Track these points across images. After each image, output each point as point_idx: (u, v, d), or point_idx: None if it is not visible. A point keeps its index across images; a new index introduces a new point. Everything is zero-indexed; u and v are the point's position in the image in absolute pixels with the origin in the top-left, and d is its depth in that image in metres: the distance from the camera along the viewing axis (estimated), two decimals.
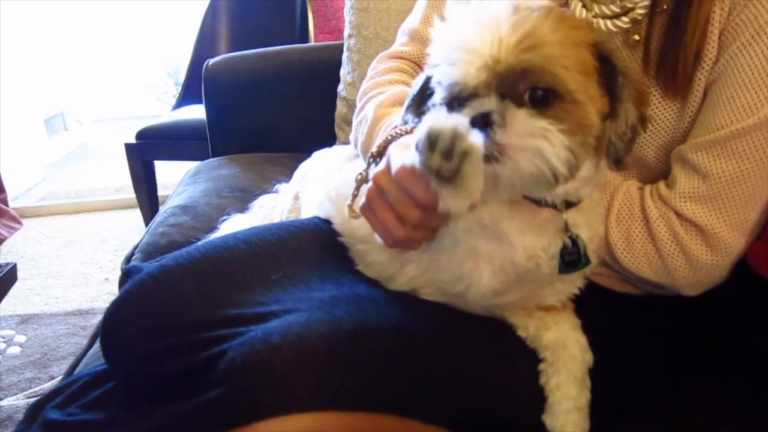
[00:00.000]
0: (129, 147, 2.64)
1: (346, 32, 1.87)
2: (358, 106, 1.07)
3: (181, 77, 3.33)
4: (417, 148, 0.65)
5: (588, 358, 0.81)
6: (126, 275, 0.87)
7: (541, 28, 0.66)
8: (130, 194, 2.86)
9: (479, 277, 0.78)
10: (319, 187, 1.06)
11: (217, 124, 2.04)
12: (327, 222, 0.99)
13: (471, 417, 0.78)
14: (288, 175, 1.30)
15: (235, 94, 2.02)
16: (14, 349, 2.12)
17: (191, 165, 2.03)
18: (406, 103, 0.81)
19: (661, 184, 0.85)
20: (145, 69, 4.95)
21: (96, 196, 3.64)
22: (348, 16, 1.86)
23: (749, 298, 0.86)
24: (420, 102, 0.78)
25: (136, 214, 2.89)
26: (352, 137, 1.06)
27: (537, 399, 0.80)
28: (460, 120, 0.63)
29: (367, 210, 0.80)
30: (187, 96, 2.99)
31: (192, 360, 0.75)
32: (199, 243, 0.91)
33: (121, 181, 3.62)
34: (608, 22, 0.88)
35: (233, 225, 1.26)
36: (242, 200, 1.42)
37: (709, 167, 0.80)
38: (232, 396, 0.69)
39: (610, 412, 0.87)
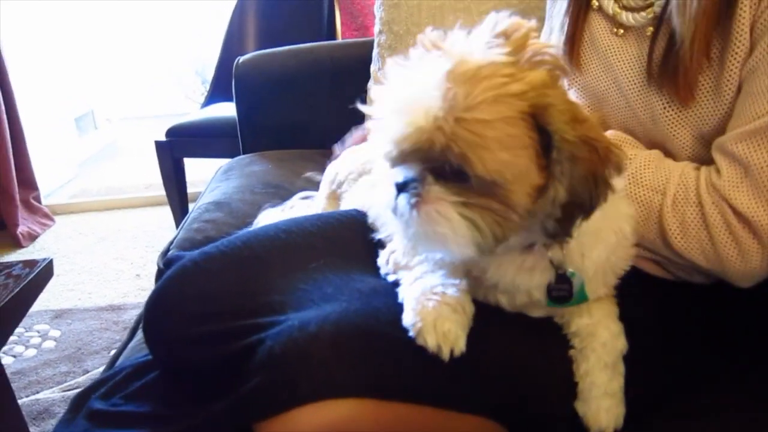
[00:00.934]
0: (159, 144, 2.67)
1: (377, 28, 1.87)
2: None
3: (209, 75, 3.36)
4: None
5: (620, 344, 0.80)
6: (168, 265, 0.89)
7: (468, 101, 0.61)
8: (160, 191, 2.89)
9: (499, 303, 0.80)
10: (359, 184, 1.07)
11: (247, 121, 2.05)
12: (365, 213, 0.99)
13: (507, 406, 0.77)
14: (320, 171, 1.31)
15: (265, 92, 2.03)
16: (49, 344, 2.16)
17: (220, 162, 2.05)
18: None
19: (713, 171, 0.83)
20: (173, 67, 5.00)
21: (126, 194, 3.68)
22: (378, 12, 1.86)
23: None
24: None
25: (166, 211, 2.91)
26: None
27: (572, 385, 0.80)
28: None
29: None
30: (216, 94, 3.01)
31: (232, 347, 0.76)
32: (240, 232, 0.93)
33: (150, 178, 3.67)
34: (630, 15, 0.90)
35: (268, 218, 1.27)
36: (275, 196, 1.43)
37: (750, 158, 0.78)
38: (270, 385, 0.70)
39: (649, 401, 0.86)
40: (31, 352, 2.11)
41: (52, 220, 3.31)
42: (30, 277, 1.60)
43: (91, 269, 2.76)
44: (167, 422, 0.74)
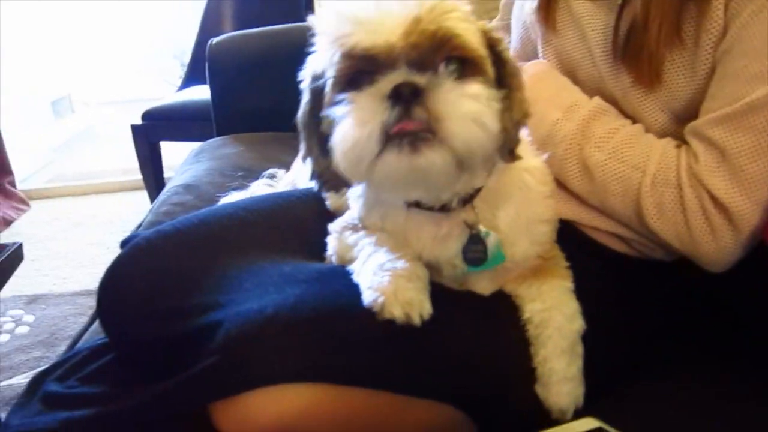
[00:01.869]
0: (135, 128, 2.65)
1: None
2: None
3: (187, 59, 3.32)
4: None
5: (576, 325, 0.80)
6: (123, 245, 0.88)
7: (445, 4, 0.65)
8: (137, 176, 2.87)
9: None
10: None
11: (221, 104, 2.03)
12: None
13: (466, 391, 0.77)
14: (292, 155, 1.29)
15: (239, 74, 2.01)
16: (23, 329, 2.14)
17: (196, 145, 2.03)
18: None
19: (692, 155, 0.82)
20: (152, 51, 4.94)
21: (103, 178, 3.64)
22: None
23: (749, 271, 0.85)
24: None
25: (143, 196, 2.89)
26: None
27: (530, 368, 0.80)
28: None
29: None
30: (193, 77, 2.98)
31: (185, 324, 0.75)
32: (199, 211, 0.92)
33: (127, 163, 3.62)
34: None
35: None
36: (245, 179, 1.41)
37: (726, 142, 0.78)
38: (224, 366, 0.69)
39: (610, 376, 0.86)
40: (5, 337, 2.09)
41: (27, 205, 3.25)
42: None
43: (67, 254, 2.74)
44: (118, 402, 0.74)
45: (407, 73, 0.62)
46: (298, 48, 2.17)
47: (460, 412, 0.79)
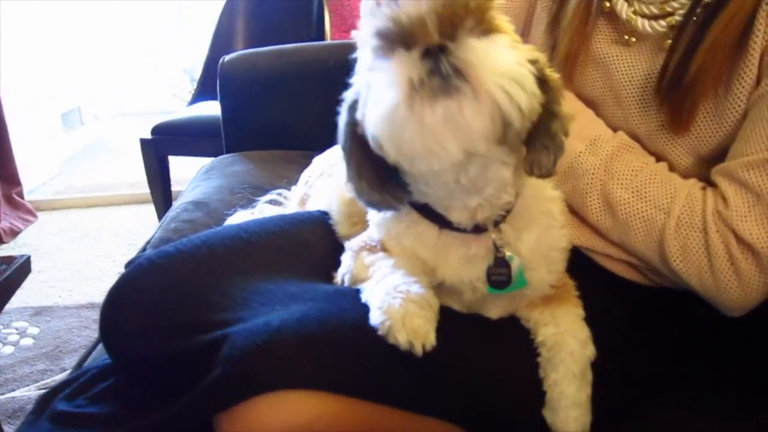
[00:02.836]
0: (144, 142, 2.66)
1: None
2: None
3: (197, 74, 3.35)
4: None
5: (588, 352, 0.80)
6: (128, 265, 0.88)
7: None
8: (145, 189, 2.88)
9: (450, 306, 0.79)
10: (321, 186, 1.07)
11: (231, 121, 2.04)
12: (328, 215, 0.99)
13: (470, 410, 0.77)
14: (301, 173, 1.30)
15: (250, 91, 2.02)
16: (27, 341, 2.13)
17: (205, 161, 2.04)
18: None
19: (719, 199, 0.81)
20: (162, 65, 4.98)
21: (111, 191, 3.66)
22: None
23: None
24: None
25: (150, 209, 2.90)
26: None
27: (538, 391, 0.79)
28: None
29: None
30: (203, 92, 3.00)
31: (192, 344, 0.75)
32: (202, 232, 0.92)
33: (135, 176, 3.64)
34: (646, 22, 0.86)
35: (237, 221, 1.26)
36: (254, 197, 1.42)
37: (763, 186, 0.77)
38: (231, 376, 0.69)
39: (618, 403, 0.86)
40: (9, 349, 2.09)
41: (34, 216, 3.28)
42: (6, 273, 1.59)
43: (73, 266, 2.74)
44: (127, 422, 0.74)
45: (439, 38, 0.62)
46: (309, 67, 2.20)
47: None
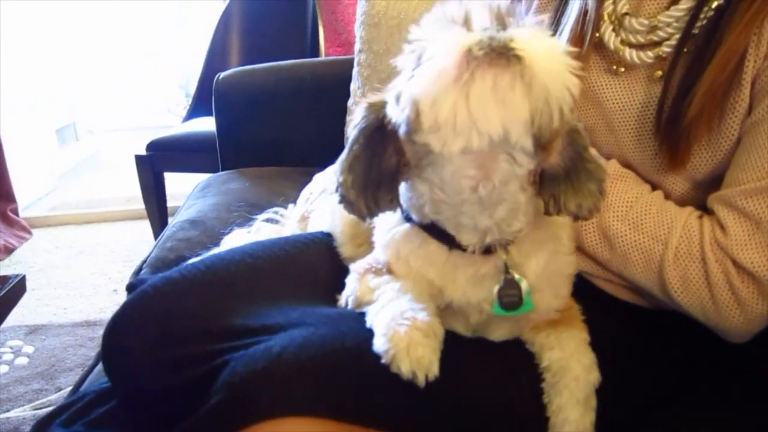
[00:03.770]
0: (139, 158, 2.65)
1: (357, 47, 1.88)
2: None
3: (192, 89, 3.36)
4: None
5: (593, 378, 0.79)
6: (130, 289, 0.88)
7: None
8: (140, 205, 2.87)
9: (455, 330, 0.79)
10: (322, 205, 1.07)
11: (227, 138, 2.05)
12: (330, 237, 0.99)
13: None
14: (297, 189, 1.30)
15: (245, 108, 2.03)
16: (22, 360, 2.12)
17: (200, 176, 2.04)
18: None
19: (717, 227, 0.81)
20: (157, 80, 4.99)
21: (106, 207, 3.65)
22: (359, 31, 1.87)
23: None
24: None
25: (146, 225, 2.89)
26: None
27: (542, 416, 0.79)
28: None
29: None
30: (198, 108, 3.00)
31: (194, 373, 0.75)
32: (206, 256, 0.92)
33: (130, 191, 3.64)
34: (633, 52, 0.86)
35: (234, 240, 1.26)
36: (251, 215, 1.42)
37: (762, 214, 0.77)
38: (231, 402, 0.69)
39: (619, 427, 0.85)
40: (3, 368, 2.08)
41: (29, 233, 3.27)
42: (1, 294, 1.58)
43: (68, 284, 2.73)
44: None
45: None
46: (304, 84, 2.22)
47: None
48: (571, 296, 0.84)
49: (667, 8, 0.84)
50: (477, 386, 0.78)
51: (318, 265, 0.92)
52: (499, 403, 0.78)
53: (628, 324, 0.90)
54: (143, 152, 2.64)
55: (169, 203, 2.76)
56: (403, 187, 0.74)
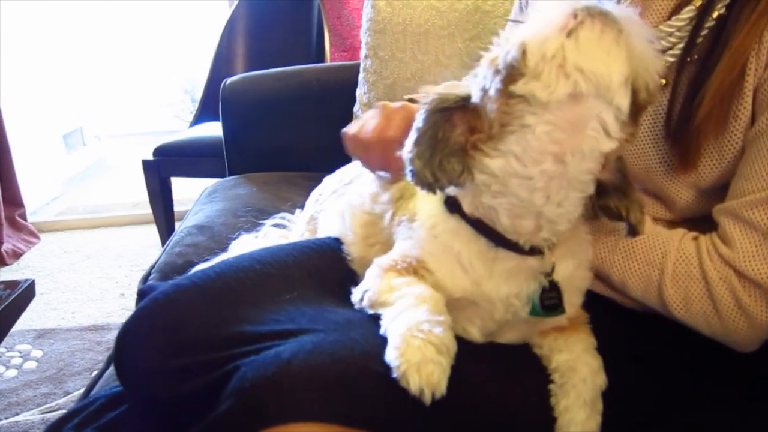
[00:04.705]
0: (146, 163, 2.67)
1: (363, 53, 1.89)
2: None
3: (198, 94, 3.37)
4: None
5: (600, 381, 0.80)
6: (141, 295, 0.89)
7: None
8: (147, 210, 2.89)
9: (468, 333, 0.80)
10: (332, 206, 1.07)
11: (233, 143, 2.06)
12: (338, 242, 1.00)
13: None
14: (303, 195, 1.31)
15: (251, 113, 2.04)
16: (30, 364, 2.14)
17: (207, 181, 2.05)
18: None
19: (719, 242, 0.82)
20: (163, 85, 5.01)
21: (113, 212, 3.67)
22: (364, 37, 1.88)
23: None
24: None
25: (153, 230, 2.91)
26: None
27: (546, 419, 0.80)
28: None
29: None
30: (204, 113, 3.02)
31: (206, 380, 0.76)
32: (214, 263, 0.93)
33: (137, 196, 3.66)
34: None
35: (242, 246, 1.27)
36: (258, 220, 1.43)
37: None
38: (239, 409, 0.69)
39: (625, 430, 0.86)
40: (12, 372, 2.09)
41: (37, 237, 3.29)
42: (11, 299, 1.59)
43: (76, 288, 2.75)
44: None
45: None
46: (310, 89, 2.23)
47: None
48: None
49: (668, 18, 0.85)
50: (483, 396, 0.78)
51: (326, 269, 0.93)
52: (505, 411, 0.79)
53: (634, 330, 0.91)
54: (150, 157, 2.66)
55: (176, 208, 2.77)
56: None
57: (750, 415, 0.89)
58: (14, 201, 3.22)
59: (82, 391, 1.91)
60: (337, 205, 1.07)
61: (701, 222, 0.87)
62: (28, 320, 2.40)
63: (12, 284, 1.65)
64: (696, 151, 0.83)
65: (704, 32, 0.82)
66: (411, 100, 1.02)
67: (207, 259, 1.27)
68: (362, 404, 0.70)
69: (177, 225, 2.07)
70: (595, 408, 0.80)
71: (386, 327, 0.73)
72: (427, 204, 0.82)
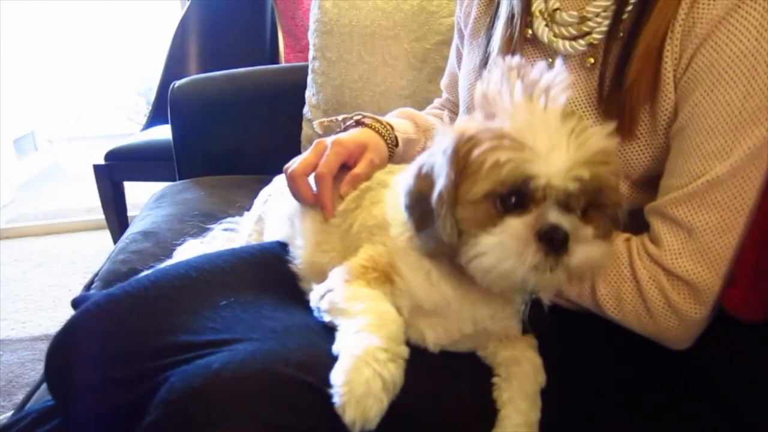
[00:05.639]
0: (97, 168, 2.62)
1: (311, 55, 1.89)
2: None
3: (152, 97, 3.32)
4: None
5: (541, 378, 0.82)
6: (75, 306, 0.87)
7: (603, 143, 0.70)
8: (101, 215, 2.84)
9: (424, 340, 0.80)
10: (280, 208, 1.06)
11: (183, 147, 2.04)
12: (283, 246, 0.99)
13: None
14: (252, 198, 1.30)
15: (201, 116, 2.02)
16: None
17: (161, 186, 2.02)
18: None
19: (648, 242, 0.85)
20: (117, 88, 4.92)
21: (66, 218, 3.59)
22: (312, 38, 1.87)
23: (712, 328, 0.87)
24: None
25: (107, 236, 2.85)
26: None
27: (485, 418, 0.80)
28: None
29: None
30: (157, 116, 2.97)
31: (139, 391, 0.74)
32: (150, 272, 0.91)
33: (91, 201, 3.59)
34: (566, 43, 0.90)
35: (187, 251, 1.26)
36: (205, 225, 1.41)
37: (692, 221, 0.80)
38: (166, 420, 0.68)
39: (566, 425, 0.87)
40: None
41: None
42: None
43: (27, 297, 2.68)
44: None
45: (557, 214, 0.68)
46: (260, 91, 2.20)
47: None
48: None
49: None
50: (420, 401, 0.78)
51: (263, 274, 0.92)
52: (439, 411, 0.79)
53: (575, 330, 0.92)
54: (102, 162, 2.61)
55: (131, 212, 2.72)
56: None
57: (688, 415, 0.91)
58: None
59: (32, 402, 1.88)
60: (285, 208, 1.06)
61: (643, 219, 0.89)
62: None
63: None
64: (631, 117, 0.85)
65: (629, 8, 0.85)
66: (359, 122, 1.03)
67: (152, 266, 1.25)
68: (291, 415, 0.70)
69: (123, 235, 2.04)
70: (536, 402, 0.82)
71: (341, 343, 0.72)
72: (400, 214, 0.80)
